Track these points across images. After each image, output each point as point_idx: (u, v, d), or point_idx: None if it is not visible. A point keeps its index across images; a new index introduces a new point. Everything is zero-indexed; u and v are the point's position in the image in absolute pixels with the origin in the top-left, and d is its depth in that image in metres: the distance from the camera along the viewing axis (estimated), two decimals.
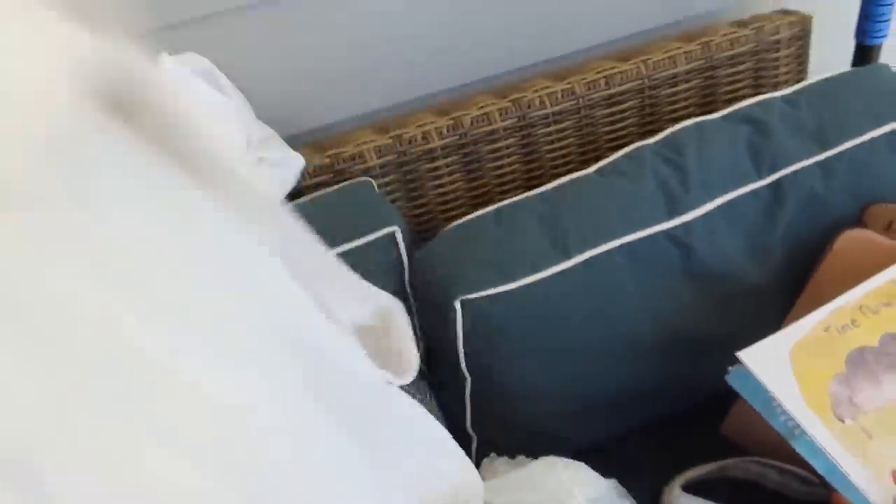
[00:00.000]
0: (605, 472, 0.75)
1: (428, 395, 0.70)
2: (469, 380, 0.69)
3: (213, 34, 0.73)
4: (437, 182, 0.79)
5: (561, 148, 0.82)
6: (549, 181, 0.74)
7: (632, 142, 0.81)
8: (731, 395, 0.76)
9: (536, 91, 0.79)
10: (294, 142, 0.73)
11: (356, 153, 0.75)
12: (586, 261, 0.66)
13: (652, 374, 0.72)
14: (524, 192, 0.75)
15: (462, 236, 0.68)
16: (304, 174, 0.73)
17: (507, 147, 0.80)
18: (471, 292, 0.64)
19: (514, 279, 0.63)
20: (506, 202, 0.69)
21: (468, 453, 0.75)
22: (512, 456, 0.74)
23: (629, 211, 0.68)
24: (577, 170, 0.76)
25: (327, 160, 0.74)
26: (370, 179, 0.74)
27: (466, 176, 0.80)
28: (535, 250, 0.65)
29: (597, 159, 0.79)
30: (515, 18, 0.82)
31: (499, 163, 0.81)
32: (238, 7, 0.73)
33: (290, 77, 0.78)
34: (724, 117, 0.77)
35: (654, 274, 0.68)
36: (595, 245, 0.66)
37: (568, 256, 0.65)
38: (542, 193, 0.70)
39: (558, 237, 0.66)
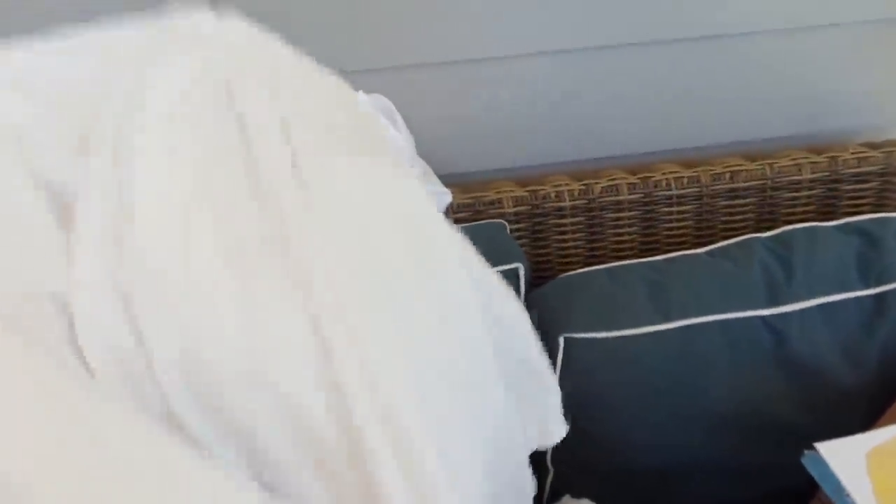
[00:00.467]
0: None
1: None
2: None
3: (396, 80, 0.88)
4: (561, 236, 0.89)
5: (678, 227, 0.90)
6: (661, 254, 0.82)
7: (746, 234, 0.88)
8: (809, 489, 0.80)
9: (664, 173, 0.88)
10: (444, 179, 0.85)
11: (496, 199, 0.86)
12: (684, 327, 0.73)
13: (730, 453, 0.76)
14: (637, 259, 0.83)
15: (575, 284, 0.77)
16: (448, 209, 0.86)
17: (629, 218, 0.89)
18: (574, 332, 0.72)
19: (614, 329, 0.71)
20: (619, 263, 0.78)
21: (542, 485, 0.82)
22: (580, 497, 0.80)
23: (731, 291, 0.75)
24: (689, 249, 0.83)
25: (470, 200, 0.86)
26: (504, 222, 0.85)
27: (588, 236, 0.89)
28: (638, 308, 0.73)
29: (710, 243, 0.87)
30: (655, 107, 0.93)
31: (619, 230, 0.90)
32: (420, 63, 0.87)
33: (453, 125, 0.91)
34: (838, 227, 0.82)
35: (746, 354, 0.74)
36: (694, 315, 0.73)
37: (667, 320, 0.73)
38: (653, 262, 0.79)
39: (661, 301, 0.74)
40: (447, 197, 0.84)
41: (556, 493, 0.82)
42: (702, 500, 0.81)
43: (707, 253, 0.80)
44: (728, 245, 0.80)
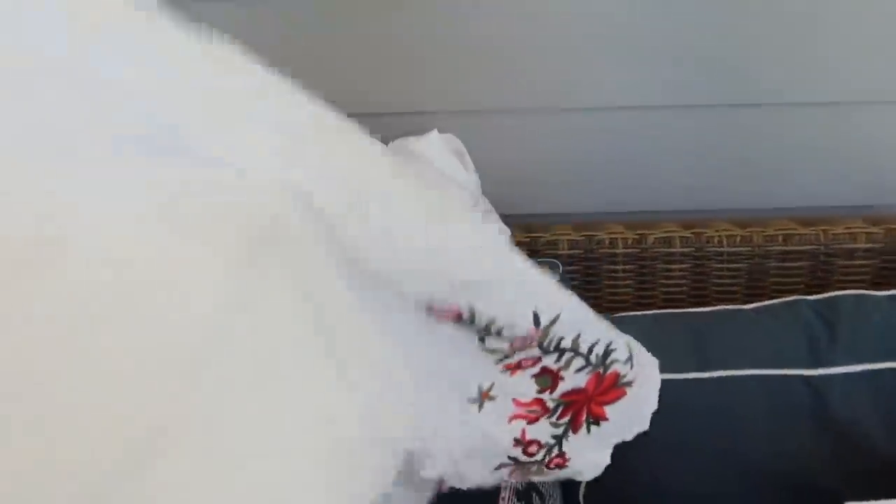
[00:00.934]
0: None
1: None
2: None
3: (472, 123, 0.94)
4: (612, 281, 0.93)
5: (728, 283, 0.93)
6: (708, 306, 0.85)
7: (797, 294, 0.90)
8: None
9: (717, 231, 0.92)
10: (506, 220, 0.91)
11: (552, 240, 0.91)
12: (722, 378, 0.75)
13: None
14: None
15: (620, 325, 0.80)
16: None
17: (680, 270, 0.92)
18: None
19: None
20: (666, 311, 0.81)
21: None
22: None
23: (773, 347, 0.77)
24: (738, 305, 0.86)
25: (528, 240, 0.91)
26: (558, 262, 0.89)
27: (638, 283, 0.93)
28: (678, 354, 0.76)
29: (759, 302, 0.89)
30: (715, 166, 0.96)
31: (668, 281, 0.93)
32: (498, 109, 0.94)
33: (520, 169, 0.97)
34: (889, 297, 0.83)
35: (783, 412, 0.76)
36: (733, 367, 0.76)
37: (706, 369, 0.75)
38: (699, 312, 0.82)
39: (702, 350, 0.77)
40: (507, 235, 0.89)
41: None
42: None
43: (753, 310, 0.82)
44: (774, 304, 0.83)
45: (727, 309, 0.82)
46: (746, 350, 0.77)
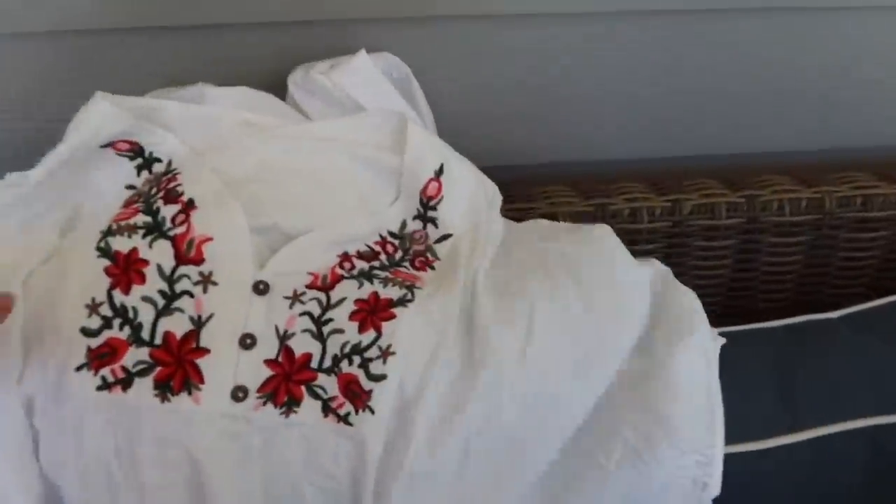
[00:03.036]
0: None
1: None
2: None
3: (413, 36, 0.61)
4: None
5: (782, 264, 0.67)
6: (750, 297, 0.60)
7: (868, 277, 0.66)
8: None
9: (775, 191, 0.65)
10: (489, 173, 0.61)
11: (548, 213, 0.62)
12: (817, 439, 0.51)
13: None
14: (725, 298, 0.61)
15: None
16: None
17: (722, 248, 0.66)
18: None
19: (735, 442, 0.49)
20: (728, 329, 0.55)
21: None
22: None
23: (881, 386, 0.53)
24: (791, 294, 0.61)
25: (510, 213, 0.62)
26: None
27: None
28: (764, 413, 0.51)
29: (815, 289, 0.65)
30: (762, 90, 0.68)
31: (706, 262, 0.67)
32: (449, 15, 0.61)
33: (489, 102, 0.66)
34: None
35: (893, 468, 0.53)
36: (830, 421, 0.52)
37: (798, 427, 0.51)
38: (771, 329, 0.56)
39: (790, 397, 0.52)
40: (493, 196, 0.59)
41: None
42: None
43: (842, 320, 0.57)
44: (870, 310, 0.58)
45: (810, 321, 0.57)
46: (847, 393, 0.53)
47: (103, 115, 0.52)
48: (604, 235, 0.55)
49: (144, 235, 0.48)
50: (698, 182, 0.66)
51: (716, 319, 0.55)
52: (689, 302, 0.53)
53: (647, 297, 0.53)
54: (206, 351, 0.46)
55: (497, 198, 0.55)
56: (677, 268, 0.66)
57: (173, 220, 0.49)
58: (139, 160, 0.52)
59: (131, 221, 0.48)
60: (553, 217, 0.62)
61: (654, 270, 0.56)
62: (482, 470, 0.48)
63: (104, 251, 0.47)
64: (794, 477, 0.52)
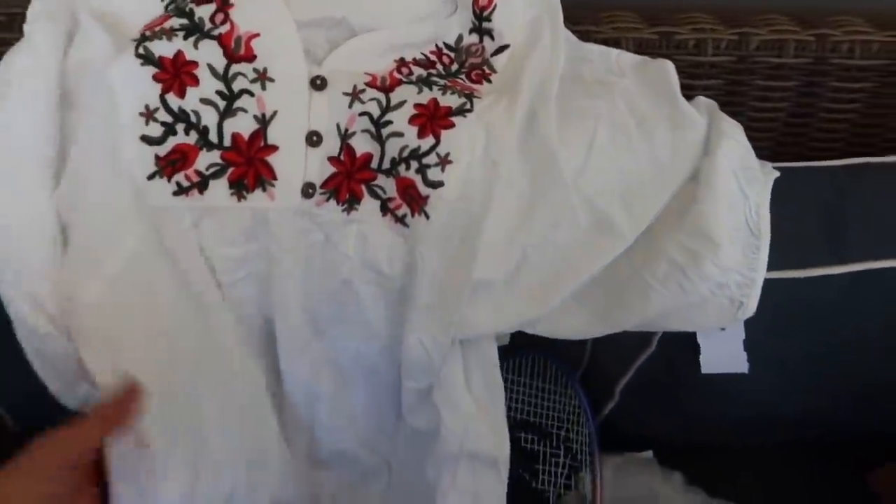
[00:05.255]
0: (731, 479, 0.68)
1: None
2: (653, 349, 0.59)
3: None
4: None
5: (841, 112, 0.66)
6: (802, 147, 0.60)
7: None
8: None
9: (847, 31, 0.62)
10: None
11: (611, 38, 0.60)
12: (858, 273, 0.53)
13: (856, 413, 0.61)
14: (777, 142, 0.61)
15: None
16: None
17: (783, 89, 0.64)
18: None
19: (780, 268, 0.51)
20: (784, 165, 0.55)
21: (599, 412, 0.67)
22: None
23: None
24: (844, 143, 0.61)
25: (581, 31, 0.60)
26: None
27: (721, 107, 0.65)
28: (809, 243, 0.52)
29: (871, 139, 0.64)
30: None
31: (763, 104, 0.65)
32: None
33: None
34: None
35: None
36: (875, 258, 0.53)
37: (842, 261, 0.52)
38: (830, 168, 0.56)
39: (838, 235, 0.53)
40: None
41: (612, 423, 0.67)
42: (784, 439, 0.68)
43: None
44: None
45: (866, 163, 0.57)
46: (893, 231, 0.54)
47: None
48: (668, 72, 0.54)
49: (186, 37, 0.47)
50: (769, 17, 0.63)
51: (767, 158, 0.55)
52: (738, 133, 0.53)
53: (702, 131, 0.53)
54: (274, 148, 0.47)
55: (557, 4, 0.53)
56: (736, 107, 0.66)
57: (212, 19, 0.48)
58: None
59: (166, 25, 0.47)
60: (616, 43, 0.60)
61: (705, 107, 0.55)
62: (531, 282, 0.50)
63: (146, 57, 0.46)
64: (829, 308, 0.54)
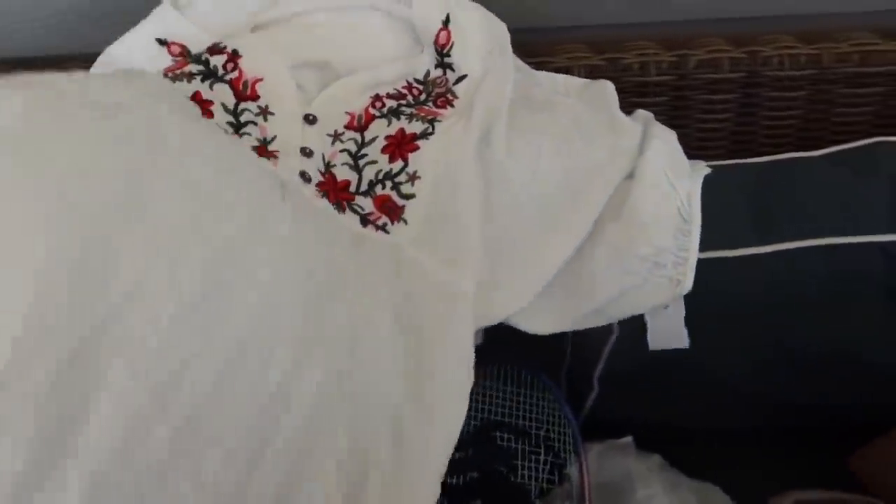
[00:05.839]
0: (713, 464, 0.73)
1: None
2: (616, 334, 0.65)
3: None
4: None
5: (782, 118, 0.74)
6: (754, 153, 0.67)
7: (865, 132, 0.71)
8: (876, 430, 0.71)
9: (777, 47, 0.70)
10: None
11: (564, 66, 0.70)
12: (781, 252, 0.59)
13: (808, 388, 0.66)
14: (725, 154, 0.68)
15: None
16: None
17: (723, 102, 0.72)
18: None
19: (706, 249, 0.58)
20: (714, 163, 0.63)
21: (583, 403, 0.74)
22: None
23: (846, 209, 0.60)
24: (791, 149, 0.68)
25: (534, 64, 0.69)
26: None
27: (670, 120, 0.72)
28: (734, 226, 0.59)
29: (814, 144, 0.71)
30: None
31: (708, 115, 0.73)
32: None
33: None
34: None
35: (845, 284, 0.61)
36: (797, 237, 0.59)
37: (766, 242, 0.59)
38: (756, 164, 0.64)
39: (762, 218, 0.60)
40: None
41: (594, 414, 0.73)
42: (755, 422, 0.73)
43: (824, 157, 0.64)
44: (849, 149, 0.65)
45: (791, 158, 0.64)
46: (814, 214, 0.60)
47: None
48: (606, 90, 0.62)
49: (203, 80, 0.57)
50: (704, 39, 0.72)
51: None
52: (668, 135, 0.61)
53: (637, 137, 0.61)
54: (276, 152, 0.56)
55: (506, 38, 0.62)
56: (683, 120, 0.74)
57: (224, 67, 0.58)
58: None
59: (185, 70, 0.58)
60: (569, 70, 0.69)
61: (642, 117, 0.63)
62: (504, 277, 0.58)
63: None
64: (760, 286, 0.60)
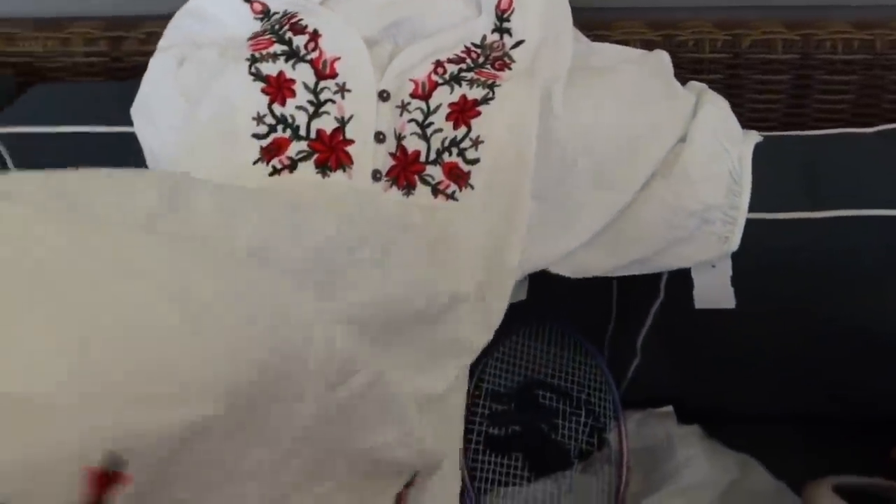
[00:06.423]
0: (750, 447, 0.73)
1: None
2: (662, 298, 0.67)
3: None
4: None
5: (835, 101, 0.75)
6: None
7: None
8: None
9: (831, 32, 0.72)
10: None
11: (621, 41, 0.72)
12: (835, 219, 0.61)
13: (854, 366, 0.66)
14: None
15: None
16: None
17: (777, 83, 0.74)
18: None
19: (757, 210, 0.60)
20: (766, 134, 0.64)
21: (625, 371, 0.75)
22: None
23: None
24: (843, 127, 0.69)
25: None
26: None
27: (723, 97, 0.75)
28: (787, 189, 0.60)
29: (866, 125, 0.72)
30: None
31: (761, 95, 0.75)
32: None
33: None
34: None
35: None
36: (849, 206, 0.61)
37: (818, 207, 0.60)
38: (810, 136, 0.65)
39: (814, 185, 0.61)
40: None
41: (636, 382, 0.74)
42: (795, 406, 0.73)
43: (878, 133, 0.65)
44: None
45: (843, 133, 0.66)
46: (865, 186, 0.61)
47: None
48: (663, 60, 0.65)
49: (286, 60, 0.60)
50: (760, 20, 0.74)
51: None
52: (721, 102, 0.63)
53: (691, 103, 0.63)
54: (351, 141, 0.60)
55: (566, 8, 0.65)
56: (736, 98, 0.75)
57: (306, 46, 0.62)
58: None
59: (270, 50, 0.61)
60: (625, 44, 0.72)
61: (696, 87, 0.65)
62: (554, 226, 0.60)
63: (257, 75, 0.60)
64: (811, 252, 0.62)
